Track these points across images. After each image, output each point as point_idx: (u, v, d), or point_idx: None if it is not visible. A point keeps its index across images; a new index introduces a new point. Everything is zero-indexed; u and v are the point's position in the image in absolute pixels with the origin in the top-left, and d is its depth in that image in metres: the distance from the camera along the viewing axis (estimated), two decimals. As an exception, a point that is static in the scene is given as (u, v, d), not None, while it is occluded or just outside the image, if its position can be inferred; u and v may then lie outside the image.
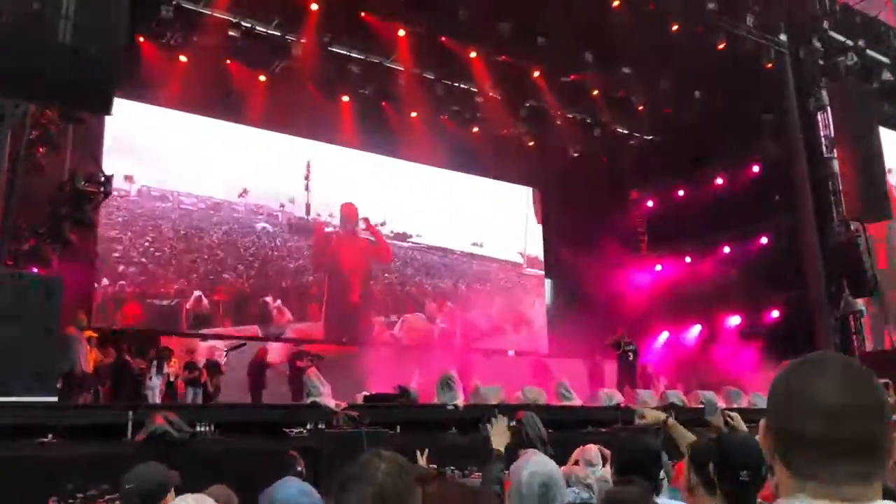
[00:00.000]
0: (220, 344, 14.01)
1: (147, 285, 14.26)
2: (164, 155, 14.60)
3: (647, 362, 17.05)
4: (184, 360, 12.18)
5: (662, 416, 3.50)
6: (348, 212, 16.93)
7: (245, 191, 15.71)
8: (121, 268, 14.11)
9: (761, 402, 11.15)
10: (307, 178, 16.53)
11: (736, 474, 2.53)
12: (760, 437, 1.35)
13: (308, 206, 16.53)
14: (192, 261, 14.93)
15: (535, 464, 2.93)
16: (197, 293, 14.69)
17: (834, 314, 15.17)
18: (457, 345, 16.84)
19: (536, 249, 19.86)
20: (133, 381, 11.34)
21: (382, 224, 17.34)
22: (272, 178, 16.03)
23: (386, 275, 17.54)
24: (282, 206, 16.22)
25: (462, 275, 18.34)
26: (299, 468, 5.05)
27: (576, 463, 5.74)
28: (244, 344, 13.89)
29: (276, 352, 14.13)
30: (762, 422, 1.34)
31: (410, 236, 17.80)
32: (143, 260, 14.31)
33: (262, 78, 15.00)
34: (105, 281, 13.90)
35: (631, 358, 14.13)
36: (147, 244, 14.52)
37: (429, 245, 18.07)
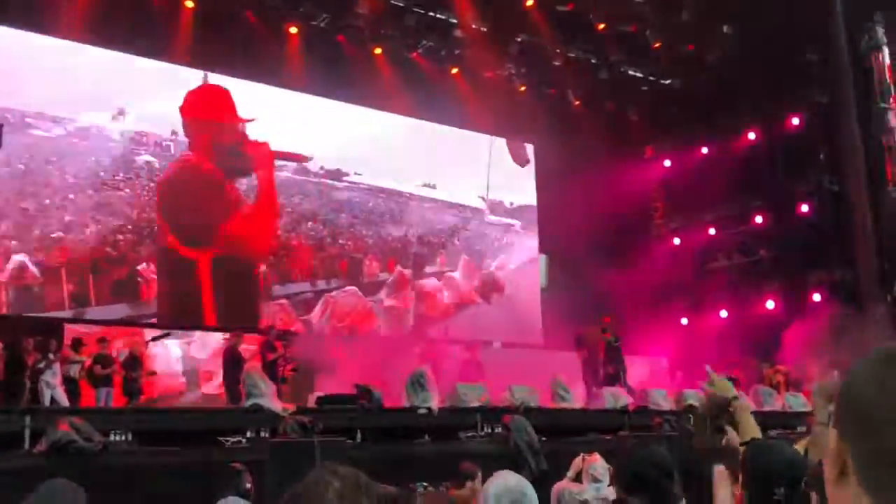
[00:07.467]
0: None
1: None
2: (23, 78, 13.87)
3: (659, 356, 17.67)
4: (94, 353, 11.99)
5: (733, 391, 3.09)
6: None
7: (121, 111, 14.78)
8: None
9: (798, 404, 11.76)
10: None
11: (769, 492, 2.54)
12: (831, 450, 1.18)
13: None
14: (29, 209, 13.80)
15: (503, 483, 2.93)
16: (19, 258, 13.31)
17: (887, 298, 15.17)
18: (413, 328, 17.14)
19: (529, 216, 20.04)
20: (29, 378, 11.06)
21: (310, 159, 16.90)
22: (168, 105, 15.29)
23: (309, 224, 16.86)
24: (174, 133, 15.36)
25: (414, 224, 18.18)
26: (247, 485, 5.04)
27: (576, 477, 5.94)
28: (168, 333, 13.96)
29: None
30: (832, 432, 1.18)
31: (347, 174, 17.38)
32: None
33: (190, 4, 15.17)
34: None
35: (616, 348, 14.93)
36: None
37: (371, 185, 17.72)
